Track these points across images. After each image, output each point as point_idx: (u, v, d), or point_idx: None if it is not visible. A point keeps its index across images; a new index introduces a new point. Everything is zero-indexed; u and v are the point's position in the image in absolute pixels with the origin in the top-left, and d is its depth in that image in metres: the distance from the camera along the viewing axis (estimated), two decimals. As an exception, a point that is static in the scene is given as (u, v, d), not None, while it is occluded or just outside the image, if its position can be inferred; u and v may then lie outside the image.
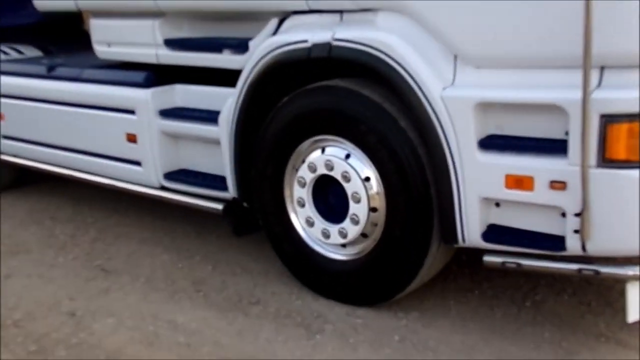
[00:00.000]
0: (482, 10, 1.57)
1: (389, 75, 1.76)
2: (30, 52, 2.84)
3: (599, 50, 1.37)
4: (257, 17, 2.01)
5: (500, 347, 1.70)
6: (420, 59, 1.68)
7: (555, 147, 1.50)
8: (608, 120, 1.38)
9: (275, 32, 2.01)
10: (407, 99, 1.76)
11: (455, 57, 1.66)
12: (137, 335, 1.80)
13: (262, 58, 2.01)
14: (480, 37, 1.59)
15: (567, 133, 1.52)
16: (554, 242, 1.53)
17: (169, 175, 2.36)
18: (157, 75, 2.24)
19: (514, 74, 1.58)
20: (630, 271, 1.47)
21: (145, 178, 2.31)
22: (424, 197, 1.80)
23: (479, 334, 1.77)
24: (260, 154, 2.03)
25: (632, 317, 1.48)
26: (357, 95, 1.89)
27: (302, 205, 2.00)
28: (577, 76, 1.40)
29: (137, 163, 2.33)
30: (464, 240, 1.69)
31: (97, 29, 2.31)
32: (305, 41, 1.81)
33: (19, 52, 2.77)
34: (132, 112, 2.28)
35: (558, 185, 1.47)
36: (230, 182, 2.15)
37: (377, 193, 1.93)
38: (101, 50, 2.33)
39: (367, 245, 1.91)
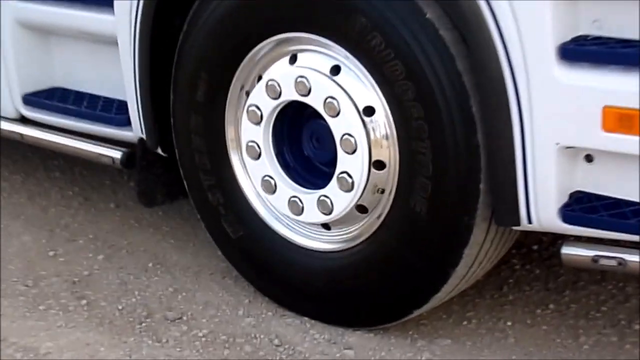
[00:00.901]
0: None
1: None
2: None
3: None
4: None
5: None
6: None
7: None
8: None
9: None
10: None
11: None
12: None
13: None
14: None
15: None
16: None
17: (32, 98, 2.34)
18: None
19: None
20: None
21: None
22: (464, 146, 1.71)
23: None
24: (184, 66, 2.02)
25: None
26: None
27: (257, 155, 1.99)
28: None
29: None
30: (530, 219, 1.64)
31: None
32: None
33: None
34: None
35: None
36: (135, 113, 2.16)
37: (385, 137, 1.82)
38: None
39: (366, 226, 1.90)
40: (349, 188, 1.88)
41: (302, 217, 1.96)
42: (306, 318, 2.03)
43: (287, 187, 1.97)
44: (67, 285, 2.26)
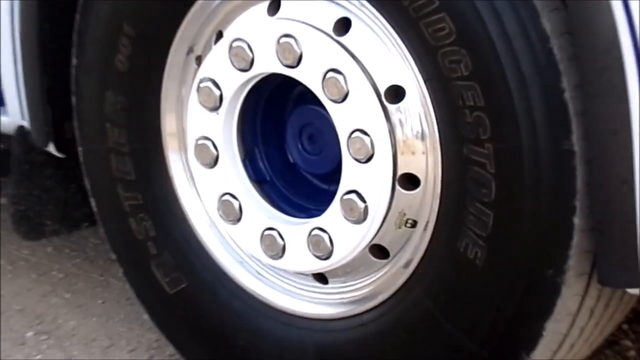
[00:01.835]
0: None
1: None
2: None
3: None
4: None
5: None
6: None
7: None
8: None
9: None
10: None
11: None
12: None
13: None
14: None
15: None
16: None
17: None
18: None
19: None
20: None
21: None
22: (549, 155, 1.70)
23: None
24: (96, 13, 2.08)
25: None
26: None
27: (212, 161, 2.02)
28: None
29: None
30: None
31: None
32: None
33: None
34: None
35: None
36: (12, 87, 2.20)
37: (420, 136, 1.82)
38: None
39: (385, 279, 1.93)
40: (360, 217, 1.87)
41: (283, 263, 1.98)
42: None
43: (259, 213, 1.99)
44: None
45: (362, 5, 1.83)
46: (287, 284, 2.04)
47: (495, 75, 1.71)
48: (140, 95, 2.09)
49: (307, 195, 2.01)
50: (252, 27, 1.94)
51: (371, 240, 1.88)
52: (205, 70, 1.98)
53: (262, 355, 2.05)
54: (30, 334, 2.37)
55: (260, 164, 2.04)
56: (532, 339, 1.79)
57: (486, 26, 1.70)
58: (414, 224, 1.87)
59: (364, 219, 1.86)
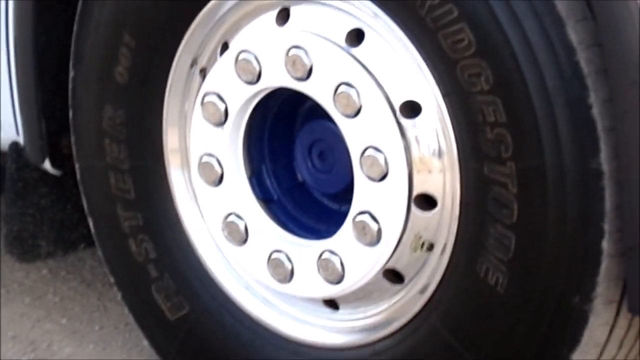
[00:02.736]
0: None
1: None
2: None
3: None
4: None
5: None
6: None
7: None
8: None
9: None
10: None
11: None
12: None
13: None
14: None
15: None
16: None
17: None
18: None
19: None
20: None
21: None
22: (576, 174, 1.70)
23: None
24: (95, 22, 2.10)
25: None
26: None
27: (216, 179, 2.03)
28: None
29: None
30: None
31: None
32: None
33: None
34: None
35: None
36: (6, 99, 2.25)
37: (438, 154, 1.83)
38: None
39: (400, 306, 1.94)
40: (373, 240, 1.87)
41: (291, 287, 1.98)
42: None
43: (266, 235, 2.00)
44: None
45: (376, 15, 1.83)
46: (296, 310, 2.05)
47: (517, 90, 1.71)
48: (141, 109, 2.10)
49: (316, 215, 2.02)
50: (260, 37, 1.95)
51: (385, 264, 1.88)
52: (209, 84, 1.99)
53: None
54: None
55: (268, 183, 2.05)
56: (558, 371, 1.77)
57: (508, 37, 1.70)
58: (431, 247, 1.87)
59: (378, 241, 1.87)
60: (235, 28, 2.02)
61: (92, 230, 2.20)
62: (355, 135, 1.86)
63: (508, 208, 1.74)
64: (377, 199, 1.85)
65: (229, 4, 1.99)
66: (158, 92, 2.08)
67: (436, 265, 1.87)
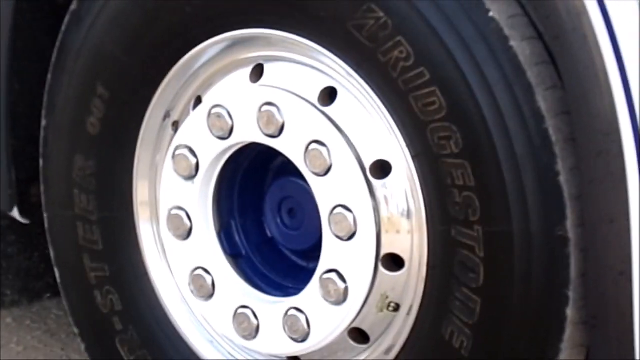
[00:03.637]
0: None
1: None
2: None
3: None
4: None
5: None
6: None
7: None
8: None
9: None
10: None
11: None
12: None
13: None
14: None
15: None
16: None
17: None
18: None
19: None
20: None
21: None
22: (542, 240, 1.70)
23: None
24: (69, 72, 2.11)
25: None
26: None
27: (185, 232, 2.02)
28: None
29: None
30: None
31: None
32: None
33: None
34: None
35: None
36: None
37: (406, 214, 1.83)
38: None
39: None
40: (340, 299, 1.86)
41: (256, 344, 1.97)
42: None
43: (233, 290, 1.99)
44: None
45: (349, 75, 1.84)
46: (259, 366, 2.00)
47: (486, 155, 1.72)
48: (112, 161, 2.11)
49: (284, 272, 2.02)
50: (233, 93, 1.96)
51: (351, 323, 1.87)
52: (181, 137, 1.99)
53: None
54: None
55: (236, 238, 2.05)
56: None
57: (478, 103, 1.71)
58: (397, 308, 1.86)
59: (344, 300, 1.86)
60: (209, 83, 2.04)
61: (58, 280, 2.19)
62: (325, 193, 1.86)
63: (474, 272, 1.75)
64: (344, 258, 1.85)
65: (203, 59, 2.01)
66: (129, 144, 2.09)
67: (402, 326, 1.86)
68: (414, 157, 1.79)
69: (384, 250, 1.84)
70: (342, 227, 1.84)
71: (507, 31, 1.70)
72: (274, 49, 1.94)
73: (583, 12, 1.62)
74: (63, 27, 2.09)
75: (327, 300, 1.87)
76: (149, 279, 2.11)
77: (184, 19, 1.97)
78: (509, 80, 1.70)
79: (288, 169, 1.93)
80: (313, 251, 1.92)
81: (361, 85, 1.84)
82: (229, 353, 2.06)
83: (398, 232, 1.84)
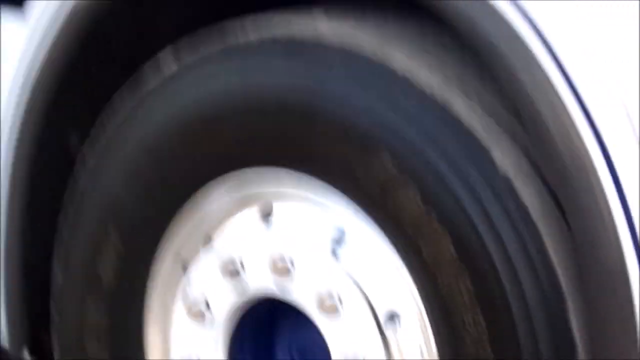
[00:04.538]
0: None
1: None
2: None
3: None
4: None
5: None
6: None
7: None
8: None
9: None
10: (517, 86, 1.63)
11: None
12: None
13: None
14: None
15: None
16: None
17: None
18: None
19: None
20: None
21: None
22: None
23: None
24: (81, 216, 2.12)
25: None
26: (373, 67, 1.80)
27: None
28: None
29: None
30: None
31: None
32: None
33: None
34: None
35: None
36: None
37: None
38: None
39: None
40: None
41: None
42: None
43: None
44: None
45: (358, 212, 1.86)
46: None
47: (496, 301, 1.74)
48: (123, 305, 2.13)
49: None
50: (244, 241, 1.99)
51: None
52: (195, 288, 2.02)
53: None
54: None
55: None
56: None
57: (485, 245, 1.73)
58: None
59: None
60: (218, 223, 2.06)
61: None
62: (336, 340, 1.88)
63: None
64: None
65: (213, 197, 2.03)
66: (140, 287, 2.10)
67: None
68: (426, 303, 1.81)
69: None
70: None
71: (511, 174, 1.72)
72: (284, 189, 1.97)
73: (592, 174, 1.62)
74: (74, 175, 2.15)
75: None
76: None
77: (191, 161, 2.02)
78: (514, 220, 1.72)
79: (300, 317, 1.93)
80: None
81: (370, 228, 1.86)
82: None
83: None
